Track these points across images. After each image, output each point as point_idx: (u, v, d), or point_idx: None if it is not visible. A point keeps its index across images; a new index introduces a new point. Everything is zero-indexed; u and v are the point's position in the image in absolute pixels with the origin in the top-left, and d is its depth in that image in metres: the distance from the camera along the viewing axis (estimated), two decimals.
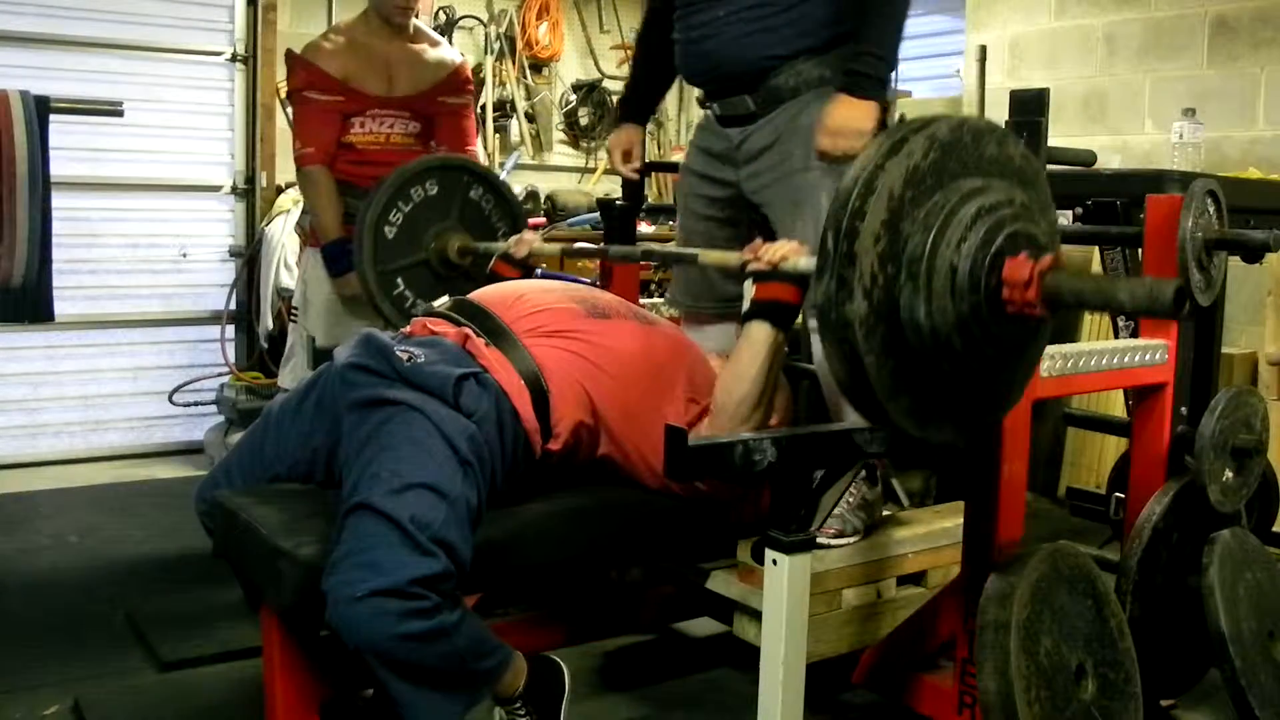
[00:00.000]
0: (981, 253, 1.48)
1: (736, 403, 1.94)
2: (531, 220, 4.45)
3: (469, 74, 3.31)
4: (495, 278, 2.44)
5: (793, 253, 1.92)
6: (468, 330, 1.98)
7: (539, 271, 4.19)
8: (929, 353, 1.50)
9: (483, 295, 2.14)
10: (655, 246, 2.23)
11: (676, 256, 2.46)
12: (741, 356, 1.95)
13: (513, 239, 2.50)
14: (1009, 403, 1.75)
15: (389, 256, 2.67)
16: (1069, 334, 4.19)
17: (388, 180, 2.66)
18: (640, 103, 2.74)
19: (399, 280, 2.69)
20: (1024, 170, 1.61)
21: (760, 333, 1.94)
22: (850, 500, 2.22)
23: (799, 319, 2.08)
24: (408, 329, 2.06)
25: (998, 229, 1.49)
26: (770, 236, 2.32)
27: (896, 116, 2.39)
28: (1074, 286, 1.49)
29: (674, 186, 4.85)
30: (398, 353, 1.89)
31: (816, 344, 2.28)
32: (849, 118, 2.13)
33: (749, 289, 1.97)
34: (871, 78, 2.12)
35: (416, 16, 3.24)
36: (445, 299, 2.15)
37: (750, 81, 2.31)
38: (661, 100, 2.82)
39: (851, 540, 2.21)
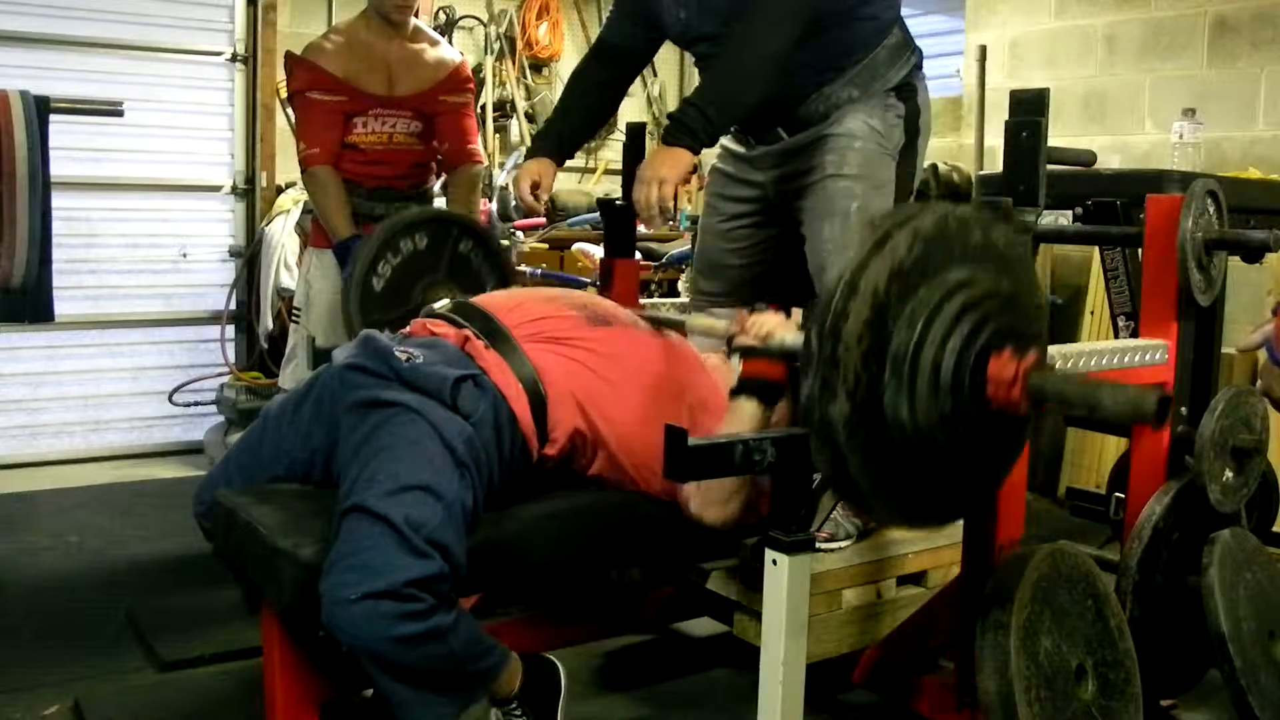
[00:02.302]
0: (966, 351, 1.47)
1: (718, 484, 1.88)
2: (532, 220, 4.45)
3: (469, 73, 3.31)
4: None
5: (779, 327, 1.89)
6: (468, 332, 1.97)
7: (539, 271, 4.18)
8: (913, 449, 1.49)
9: (484, 300, 2.13)
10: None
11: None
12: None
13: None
14: (993, 490, 1.75)
15: (377, 308, 2.54)
16: (1069, 334, 4.19)
17: (377, 232, 2.58)
18: (560, 144, 2.53)
19: (385, 333, 2.65)
20: (1008, 256, 1.60)
21: (746, 408, 1.89)
22: (846, 505, 2.22)
23: None
24: (408, 330, 2.06)
25: (983, 324, 1.48)
26: (800, 240, 2.36)
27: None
28: (1058, 387, 1.48)
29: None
30: (397, 353, 1.89)
31: None
32: (649, 165, 2.13)
33: (736, 364, 1.93)
34: (682, 125, 2.11)
35: (416, 16, 3.24)
36: (446, 301, 2.14)
37: (780, 115, 2.33)
38: (580, 148, 2.63)
39: (844, 544, 2.21)
